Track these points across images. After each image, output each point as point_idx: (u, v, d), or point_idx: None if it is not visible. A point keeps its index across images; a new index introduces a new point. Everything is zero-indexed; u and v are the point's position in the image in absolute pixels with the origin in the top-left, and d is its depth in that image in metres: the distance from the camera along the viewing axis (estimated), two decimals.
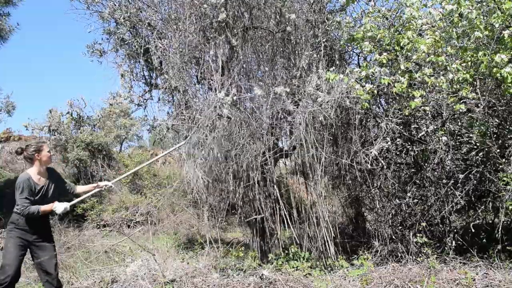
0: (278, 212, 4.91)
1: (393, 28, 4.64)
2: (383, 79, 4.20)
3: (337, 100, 4.33)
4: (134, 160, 11.03)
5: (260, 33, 5.31)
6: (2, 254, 3.44)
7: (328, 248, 4.51)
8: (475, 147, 4.59)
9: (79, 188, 3.94)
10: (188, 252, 5.78)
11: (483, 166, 4.51)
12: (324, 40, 4.90)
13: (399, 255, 4.63)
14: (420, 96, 4.10)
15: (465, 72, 4.06)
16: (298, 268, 4.50)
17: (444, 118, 4.58)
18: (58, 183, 3.68)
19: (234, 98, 4.40)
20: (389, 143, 4.58)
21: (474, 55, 4.13)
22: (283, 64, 5.05)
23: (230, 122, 4.50)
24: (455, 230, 4.73)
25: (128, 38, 5.79)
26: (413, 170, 5.04)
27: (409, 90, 4.24)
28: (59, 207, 3.44)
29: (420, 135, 4.78)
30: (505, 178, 4.04)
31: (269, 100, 4.47)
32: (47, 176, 3.58)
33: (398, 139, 4.84)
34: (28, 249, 3.50)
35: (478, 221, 4.88)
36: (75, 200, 3.83)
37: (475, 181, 4.55)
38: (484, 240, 4.61)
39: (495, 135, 4.36)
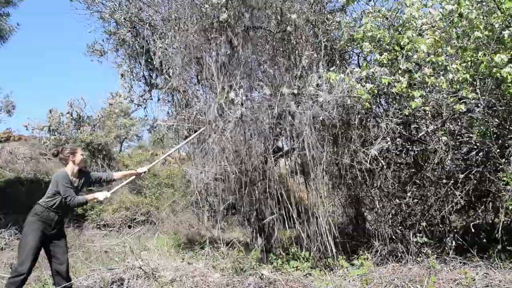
0: (278, 212, 4.91)
1: (393, 28, 4.64)
2: (383, 79, 4.20)
3: (338, 100, 4.33)
4: (134, 160, 11.04)
5: (261, 33, 5.31)
6: (19, 246, 3.51)
7: (328, 248, 4.51)
8: (475, 147, 4.59)
9: (116, 175, 4.18)
10: (188, 252, 5.78)
11: (483, 166, 4.51)
12: (324, 40, 4.90)
13: (399, 255, 4.63)
14: (420, 96, 4.10)
15: (465, 72, 4.06)
16: (298, 268, 4.50)
17: (444, 118, 4.58)
18: (88, 179, 3.91)
19: (243, 98, 4.42)
20: (389, 143, 4.58)
21: (474, 55, 4.13)
22: (283, 64, 5.05)
23: (240, 121, 4.51)
24: (455, 230, 4.73)
25: (128, 38, 5.79)
26: (413, 170, 5.04)
27: (409, 90, 4.24)
28: (101, 195, 3.77)
29: (420, 135, 4.78)
30: (505, 178, 4.04)
31: (276, 100, 4.47)
32: (78, 176, 3.82)
33: (398, 139, 4.83)
34: (43, 246, 3.61)
35: (478, 221, 4.87)
36: (115, 188, 4.21)
37: (475, 181, 4.55)
38: (484, 240, 4.60)
39: (495, 135, 4.35)
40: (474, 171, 4.48)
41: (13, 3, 9.76)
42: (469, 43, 4.21)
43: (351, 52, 5.73)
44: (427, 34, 4.21)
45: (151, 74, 6.28)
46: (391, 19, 4.75)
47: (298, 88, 4.64)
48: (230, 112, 4.46)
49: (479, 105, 4.16)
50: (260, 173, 4.75)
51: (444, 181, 4.65)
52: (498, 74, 3.82)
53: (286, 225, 4.93)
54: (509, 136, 4.40)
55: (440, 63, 4.12)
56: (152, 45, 5.15)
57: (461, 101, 4.24)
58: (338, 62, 5.16)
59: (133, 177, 4.27)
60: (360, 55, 5.54)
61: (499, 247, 4.26)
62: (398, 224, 4.89)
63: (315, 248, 4.65)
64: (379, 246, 4.81)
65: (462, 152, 4.78)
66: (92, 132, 11.34)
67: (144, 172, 4.28)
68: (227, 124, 4.49)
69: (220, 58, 4.77)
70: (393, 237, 4.81)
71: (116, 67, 6.02)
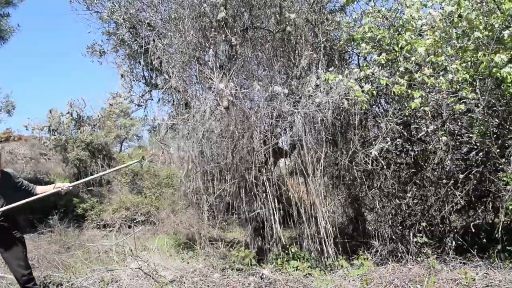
0: (278, 212, 4.90)
1: (393, 29, 4.63)
2: (382, 80, 4.19)
3: (335, 101, 4.32)
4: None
5: (260, 33, 5.31)
6: None
7: (328, 248, 4.50)
8: (475, 147, 4.59)
9: (39, 189, 3.77)
10: (188, 252, 5.77)
11: (483, 166, 4.51)
12: (324, 40, 4.89)
13: (399, 255, 4.63)
14: (419, 97, 4.10)
15: (465, 72, 4.05)
16: (298, 268, 4.49)
17: (444, 118, 4.58)
18: (14, 186, 3.62)
19: (233, 91, 4.40)
20: (389, 143, 4.57)
21: (474, 55, 4.13)
22: (282, 64, 5.05)
23: (228, 112, 4.48)
24: (455, 230, 4.72)
25: (128, 38, 5.80)
26: (413, 170, 5.04)
27: (409, 90, 4.24)
28: None
29: (420, 135, 4.77)
30: (505, 178, 4.03)
31: (266, 98, 4.46)
32: None
33: (398, 139, 4.83)
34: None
35: (478, 221, 4.86)
36: (6, 207, 3.49)
37: (475, 181, 4.55)
38: (484, 240, 4.60)
39: (495, 135, 4.35)
40: (474, 171, 4.48)
41: (13, 4, 9.77)
42: (469, 43, 4.20)
43: (351, 52, 5.73)
44: (427, 35, 4.20)
45: (151, 74, 6.29)
46: (391, 20, 4.75)
47: (296, 88, 4.64)
48: (228, 101, 4.44)
49: (479, 105, 4.16)
50: (258, 171, 4.74)
51: (444, 181, 4.65)
52: (498, 74, 3.82)
53: (286, 225, 4.93)
54: (509, 136, 4.39)
55: (440, 63, 4.12)
56: (152, 45, 5.15)
57: (461, 101, 4.23)
58: (337, 62, 5.16)
59: (54, 190, 3.76)
60: (360, 55, 5.54)
61: (499, 247, 4.25)
62: (398, 224, 4.89)
63: (315, 248, 4.65)
64: (379, 246, 4.81)
65: (462, 152, 4.77)
66: (92, 132, 11.33)
67: (65, 187, 3.74)
68: (221, 110, 4.46)
69: (219, 57, 4.77)
70: (393, 237, 4.81)
71: (116, 68, 6.03)
